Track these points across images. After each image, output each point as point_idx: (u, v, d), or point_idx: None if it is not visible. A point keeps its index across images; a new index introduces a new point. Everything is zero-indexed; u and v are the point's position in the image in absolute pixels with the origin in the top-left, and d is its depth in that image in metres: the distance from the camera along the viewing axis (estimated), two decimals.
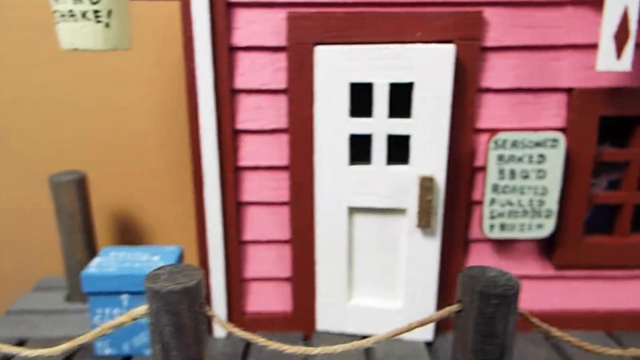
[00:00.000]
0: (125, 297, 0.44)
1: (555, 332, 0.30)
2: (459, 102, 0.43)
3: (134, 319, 0.30)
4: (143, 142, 0.60)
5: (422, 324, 0.31)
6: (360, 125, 0.43)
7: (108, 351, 0.45)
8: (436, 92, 0.41)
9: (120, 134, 0.59)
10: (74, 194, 0.51)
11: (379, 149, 0.43)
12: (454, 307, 0.30)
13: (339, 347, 0.32)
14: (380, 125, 0.43)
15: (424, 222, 0.43)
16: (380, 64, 0.41)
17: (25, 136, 0.59)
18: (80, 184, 0.52)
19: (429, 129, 0.42)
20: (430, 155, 0.43)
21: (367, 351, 0.47)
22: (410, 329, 0.31)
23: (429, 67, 0.41)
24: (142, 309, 0.30)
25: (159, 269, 0.31)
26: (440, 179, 0.43)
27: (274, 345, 0.31)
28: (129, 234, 0.62)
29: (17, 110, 0.59)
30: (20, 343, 0.48)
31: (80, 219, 0.52)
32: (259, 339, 0.31)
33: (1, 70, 0.57)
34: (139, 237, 0.63)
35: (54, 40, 0.54)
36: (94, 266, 0.44)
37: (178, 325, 0.29)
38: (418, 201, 0.43)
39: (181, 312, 0.29)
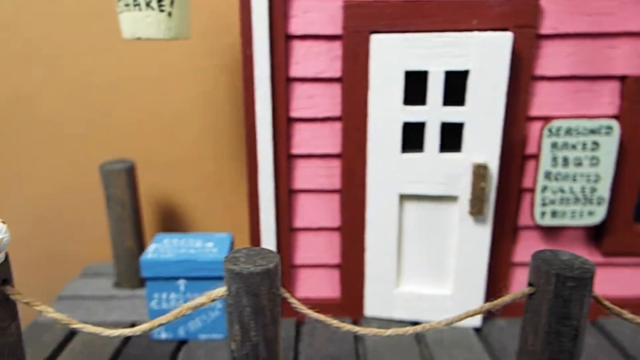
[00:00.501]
0: (182, 283, 0.45)
1: (627, 314, 0.30)
2: (513, 90, 0.43)
3: (213, 300, 0.31)
4: (189, 131, 0.60)
5: (493, 306, 0.32)
6: (414, 113, 0.43)
7: (164, 335, 0.46)
8: (492, 80, 0.42)
9: (166, 122, 0.60)
10: (125, 183, 0.52)
11: (432, 137, 0.44)
12: (526, 290, 0.31)
13: (390, 330, 0.32)
14: (434, 113, 0.43)
15: (477, 209, 0.44)
16: (436, 52, 0.42)
17: (75, 124, 0.60)
18: (130, 173, 0.53)
19: (484, 116, 0.43)
20: (484, 143, 0.43)
21: (418, 337, 0.47)
22: (481, 311, 0.32)
23: (486, 55, 0.41)
24: (220, 290, 0.31)
25: (236, 252, 0.32)
26: (494, 166, 0.43)
27: (333, 322, 0.32)
28: (174, 221, 0.63)
29: (69, 99, 0.59)
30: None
31: (130, 207, 0.53)
32: (331, 320, 0.32)
33: (54, 60, 0.58)
34: (183, 225, 0.64)
35: (104, 29, 0.55)
36: (151, 252, 0.45)
37: (257, 306, 0.30)
38: (471, 188, 0.44)
39: (261, 293, 0.30)
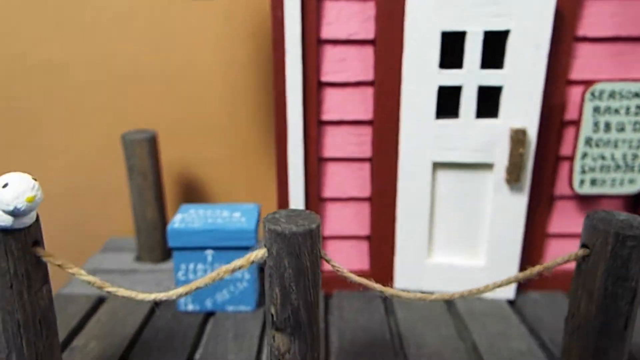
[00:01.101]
0: (209, 253, 0.44)
1: None
2: (554, 52, 0.41)
3: (252, 263, 0.30)
4: (212, 100, 0.59)
5: (544, 269, 0.30)
6: (450, 77, 0.42)
7: (190, 307, 0.45)
8: (533, 41, 0.40)
9: (189, 91, 0.59)
10: (146, 153, 0.51)
11: (468, 102, 0.42)
12: (579, 252, 0.29)
13: (420, 295, 0.31)
14: (471, 76, 0.41)
15: (514, 176, 0.42)
16: (476, 11, 0.40)
17: (101, 93, 0.59)
18: (152, 143, 0.51)
19: (523, 79, 0.41)
20: (523, 108, 0.42)
21: (450, 308, 0.46)
22: (529, 275, 0.30)
23: (528, 14, 0.39)
24: (260, 252, 0.30)
25: (275, 213, 0.30)
26: (532, 132, 0.42)
27: (375, 286, 0.31)
28: (196, 193, 0.62)
29: (96, 67, 0.58)
30: (100, 300, 0.48)
31: (151, 178, 0.52)
32: (373, 284, 0.31)
33: (85, 27, 0.56)
34: (206, 197, 0.62)
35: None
36: (178, 221, 0.44)
37: (299, 268, 0.29)
38: (509, 155, 0.42)
39: (302, 254, 0.29)
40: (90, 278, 0.31)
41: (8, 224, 0.26)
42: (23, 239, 0.28)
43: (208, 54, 0.57)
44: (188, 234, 0.43)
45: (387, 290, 0.31)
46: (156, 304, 0.47)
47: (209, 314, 0.45)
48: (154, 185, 0.52)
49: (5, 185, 0.26)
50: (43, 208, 0.61)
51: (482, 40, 0.41)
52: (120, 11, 0.56)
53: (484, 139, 0.43)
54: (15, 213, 0.26)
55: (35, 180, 0.27)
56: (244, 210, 0.47)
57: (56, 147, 0.60)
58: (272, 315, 0.30)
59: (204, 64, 0.58)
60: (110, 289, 0.31)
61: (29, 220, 0.28)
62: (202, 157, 0.61)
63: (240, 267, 0.30)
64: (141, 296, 0.31)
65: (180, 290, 0.30)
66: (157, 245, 0.54)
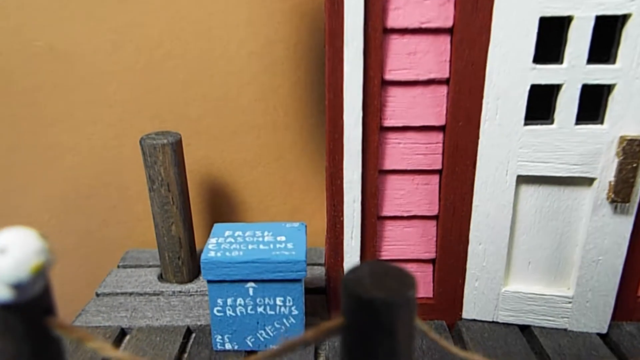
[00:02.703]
0: (251, 286, 0.37)
1: None
2: None
3: (324, 338, 0.23)
4: (241, 96, 0.51)
5: None
6: (548, 73, 0.34)
7: (228, 346, 0.39)
8: None
9: (215, 85, 0.51)
10: (170, 160, 0.44)
11: (568, 104, 0.34)
12: None
13: None
14: (574, 72, 0.34)
15: (622, 195, 0.35)
16: None
17: (115, 85, 0.51)
18: (176, 148, 0.44)
19: None
20: (638, 112, 0.34)
21: (532, 345, 0.39)
22: None
23: None
24: (336, 322, 0.23)
25: (355, 270, 0.23)
26: None
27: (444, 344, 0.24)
28: (222, 202, 0.55)
29: (108, 56, 0.50)
30: (122, 333, 0.41)
31: (176, 189, 0.45)
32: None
33: (93, 9, 0.48)
34: (233, 207, 0.55)
35: None
36: (213, 249, 0.37)
37: (392, 346, 0.22)
38: (617, 170, 0.34)
39: (397, 330, 0.22)
40: (122, 355, 0.24)
41: (8, 299, 0.19)
42: (29, 311, 0.21)
43: (238, 40, 0.49)
44: (226, 265, 0.36)
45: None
46: (186, 339, 0.41)
47: (250, 353, 0.39)
48: (180, 197, 0.45)
49: (2, 251, 0.19)
50: (50, 213, 0.55)
51: (592, 28, 0.32)
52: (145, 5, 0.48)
53: (584, 149, 0.35)
54: (17, 286, 0.19)
55: (43, 238, 0.20)
56: (288, 232, 0.39)
57: (64, 145, 0.53)
58: None
59: (233, 53, 0.49)
60: None
61: (36, 289, 0.21)
62: (231, 161, 0.53)
63: (306, 341, 0.23)
64: None
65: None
66: (183, 264, 0.47)
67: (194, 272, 0.49)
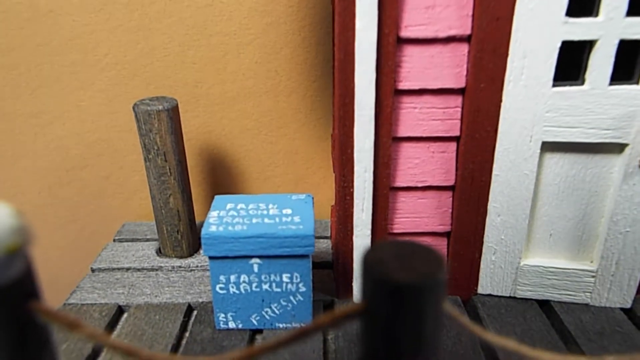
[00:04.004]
0: (255, 262, 0.34)
1: None
2: None
3: (342, 322, 0.20)
4: (240, 58, 0.47)
5: None
6: (582, 28, 0.31)
7: (232, 324, 0.36)
8: None
9: (212, 47, 0.47)
10: (167, 128, 0.41)
11: (602, 62, 0.31)
12: None
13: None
14: (611, 27, 0.30)
15: None
16: None
17: (109, 49, 0.47)
18: (173, 115, 0.41)
19: None
20: None
21: (552, 321, 0.37)
22: None
23: None
24: (356, 306, 0.20)
25: (376, 249, 0.20)
26: None
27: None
28: (222, 172, 0.52)
29: (100, 16, 0.46)
30: (120, 311, 0.39)
31: (174, 159, 0.42)
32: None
33: None
34: (233, 177, 0.52)
35: None
36: (215, 223, 0.34)
37: (420, 334, 0.20)
38: None
39: (425, 314, 0.19)
40: (123, 345, 0.21)
41: None
42: (9, 296, 0.19)
43: None
44: (229, 240, 0.33)
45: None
46: (187, 317, 0.39)
47: (256, 332, 0.37)
48: (177, 167, 0.42)
49: None
50: (40, 185, 0.52)
51: None
52: None
53: (617, 112, 0.32)
54: None
55: (20, 215, 0.17)
56: (294, 204, 0.37)
57: (51, 113, 0.50)
58: None
59: (233, 10, 0.46)
60: None
61: (13, 272, 0.18)
62: (230, 128, 0.50)
63: (321, 327, 0.21)
64: None
65: None
66: (182, 237, 0.45)
67: (194, 247, 0.46)
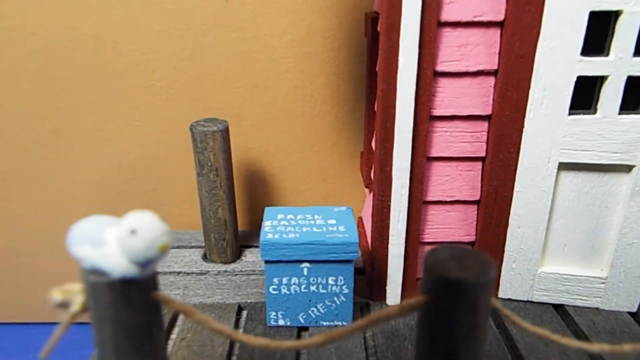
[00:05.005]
0: (305, 266, 0.39)
1: None
2: None
3: (408, 313, 0.25)
4: (280, 85, 0.52)
5: None
6: (594, 65, 0.35)
7: (282, 322, 0.41)
8: None
9: (255, 73, 0.52)
10: (219, 146, 0.45)
11: (612, 95, 0.36)
12: None
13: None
14: (620, 65, 0.35)
15: None
16: None
17: (160, 73, 0.52)
18: (225, 135, 0.46)
19: None
20: None
21: (567, 322, 0.42)
22: None
23: None
24: (416, 300, 0.25)
25: (435, 252, 0.25)
26: None
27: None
28: (260, 187, 0.57)
29: (152, 44, 0.51)
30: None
31: (224, 174, 0.46)
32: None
33: (122, 3, 0.49)
34: (270, 191, 0.57)
35: None
36: (271, 232, 0.39)
37: (472, 324, 0.24)
38: None
39: (478, 308, 0.24)
40: (223, 327, 0.26)
41: (135, 275, 0.21)
42: (144, 286, 0.23)
43: (281, 28, 0.50)
44: (284, 246, 0.38)
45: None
46: (238, 316, 0.43)
47: (303, 329, 0.41)
48: (227, 181, 0.47)
49: (133, 232, 0.20)
50: (95, 196, 0.56)
51: None
52: None
53: (626, 137, 0.37)
54: (145, 264, 0.21)
55: (164, 221, 0.22)
56: (337, 215, 0.41)
57: (108, 131, 0.54)
58: None
59: (275, 40, 0.51)
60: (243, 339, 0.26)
61: (155, 267, 0.23)
62: (268, 147, 0.55)
63: (390, 316, 0.26)
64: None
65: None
66: (228, 246, 0.49)
67: (237, 253, 0.51)
